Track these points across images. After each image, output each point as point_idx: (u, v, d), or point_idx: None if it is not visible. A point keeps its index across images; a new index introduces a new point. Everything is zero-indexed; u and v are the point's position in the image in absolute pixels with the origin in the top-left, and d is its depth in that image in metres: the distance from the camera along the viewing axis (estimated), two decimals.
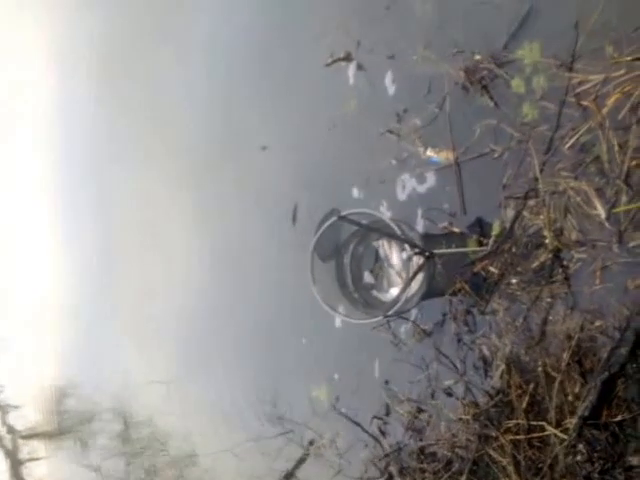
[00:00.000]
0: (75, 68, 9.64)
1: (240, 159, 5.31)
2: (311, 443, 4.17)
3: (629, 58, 2.43)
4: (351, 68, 4.02)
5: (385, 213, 3.64)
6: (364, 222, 3.07)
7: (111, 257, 8.87)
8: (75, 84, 9.65)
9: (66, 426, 9.65)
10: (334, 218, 2.89)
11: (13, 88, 11.28)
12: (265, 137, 4.89)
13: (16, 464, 9.86)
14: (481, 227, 3.07)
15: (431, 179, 3.42)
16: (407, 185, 3.57)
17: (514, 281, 2.92)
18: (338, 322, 4.01)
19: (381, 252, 3.46)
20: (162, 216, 7.11)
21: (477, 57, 3.09)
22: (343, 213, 2.88)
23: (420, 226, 3.44)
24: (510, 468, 2.78)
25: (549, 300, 2.74)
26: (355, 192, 3.96)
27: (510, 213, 2.89)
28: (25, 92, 11.22)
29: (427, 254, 2.80)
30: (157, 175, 7.08)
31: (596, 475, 2.43)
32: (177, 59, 6.40)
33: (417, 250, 2.84)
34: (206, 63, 5.89)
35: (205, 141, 5.90)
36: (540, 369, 2.75)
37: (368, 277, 3.54)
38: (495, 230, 2.98)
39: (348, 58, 4.04)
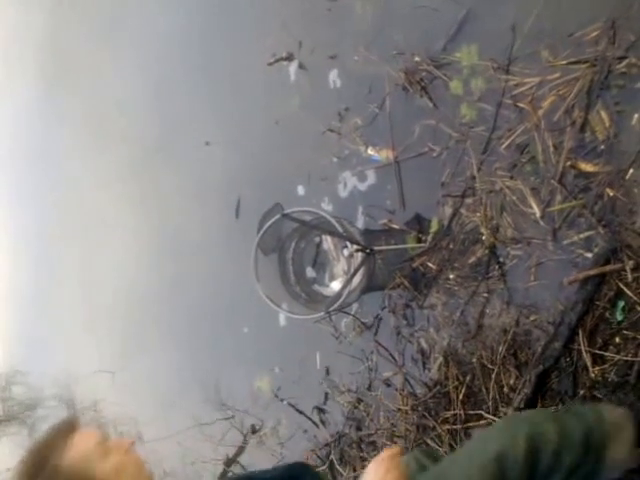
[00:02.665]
0: (19, 59, 9.22)
1: (184, 153, 5.09)
2: (253, 431, 4.00)
3: (564, 62, 2.35)
4: (293, 68, 3.86)
5: (327, 209, 3.49)
6: (307, 219, 2.91)
7: (54, 244, 8.51)
8: (20, 74, 9.24)
9: (12, 413, 9.25)
10: (278, 216, 2.72)
11: None
12: (209, 133, 4.68)
13: None
14: (420, 224, 2.96)
15: (372, 177, 3.29)
16: (348, 182, 3.43)
17: (451, 276, 2.81)
18: (282, 318, 3.86)
19: (324, 246, 3.31)
20: (105, 205, 6.82)
21: (417, 59, 2.97)
22: (286, 211, 2.71)
23: (361, 222, 3.31)
24: None
25: (486, 295, 2.65)
26: (298, 188, 3.80)
27: (448, 211, 2.78)
28: None
29: (368, 250, 2.66)
30: (101, 165, 6.78)
31: None
32: (120, 54, 6.13)
33: (358, 247, 2.70)
34: (149, 57, 5.63)
35: (149, 135, 5.65)
36: (476, 362, 2.66)
37: (310, 272, 3.38)
38: (433, 227, 2.87)
39: (290, 58, 3.87)
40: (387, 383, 3.08)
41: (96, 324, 7.29)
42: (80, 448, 1.18)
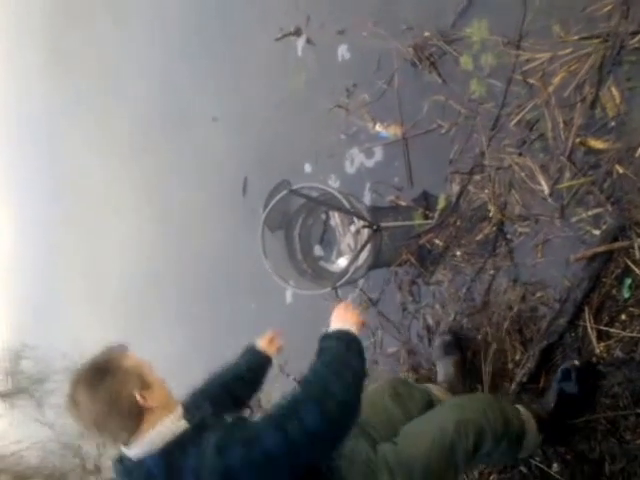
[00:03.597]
0: (24, 30, 9.18)
1: (191, 128, 5.08)
2: (259, 406, 4.03)
3: (576, 37, 2.32)
4: (301, 43, 3.83)
5: (334, 186, 3.49)
6: (314, 195, 2.90)
7: (60, 220, 8.53)
8: (25, 46, 9.20)
9: (21, 386, 9.38)
10: (285, 192, 2.71)
11: None
12: (216, 108, 4.66)
13: None
14: (427, 201, 2.95)
15: (379, 154, 3.28)
16: (355, 159, 3.42)
17: (458, 253, 2.81)
18: (289, 295, 3.87)
19: (332, 222, 3.31)
20: (110, 181, 6.83)
21: (426, 34, 2.94)
22: (294, 187, 2.70)
23: (367, 199, 3.30)
24: None
25: (492, 272, 2.64)
26: (305, 166, 3.79)
27: (456, 188, 2.77)
28: None
29: (374, 227, 2.65)
30: (108, 140, 6.77)
31: None
32: (127, 27, 6.09)
33: (365, 223, 2.69)
34: (156, 31, 5.60)
35: (155, 110, 5.64)
36: (481, 338, 2.67)
37: (318, 249, 3.39)
38: (440, 204, 2.86)
39: (298, 33, 3.84)
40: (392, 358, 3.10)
41: (103, 300, 7.35)
42: (133, 358, 1.68)
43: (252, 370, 2.34)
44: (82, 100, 7.35)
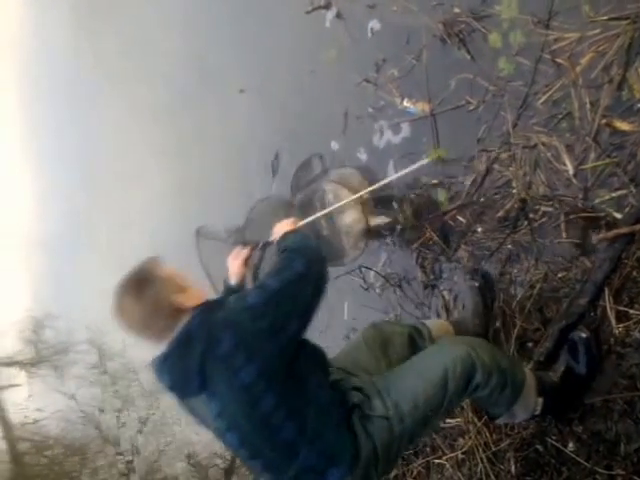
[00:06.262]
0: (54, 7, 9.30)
1: (218, 100, 5.19)
2: None
3: (605, 18, 2.38)
4: (331, 16, 3.90)
5: (362, 159, 3.67)
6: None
7: (84, 191, 8.71)
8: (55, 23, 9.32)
9: (43, 355, 9.65)
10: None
11: None
12: (244, 80, 4.77)
13: None
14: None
15: (406, 130, 3.36)
16: (385, 133, 3.51)
17: (479, 230, 2.91)
18: None
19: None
20: (134, 151, 6.98)
21: (456, 10, 3.01)
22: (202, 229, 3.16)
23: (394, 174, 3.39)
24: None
25: (512, 249, 2.75)
26: (331, 143, 3.92)
27: (482, 166, 2.86)
28: (4, 32, 10.79)
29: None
30: (131, 109, 6.91)
31: None
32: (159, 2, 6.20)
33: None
34: (186, 4, 5.70)
35: (184, 80, 5.75)
36: (499, 312, 2.79)
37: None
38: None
39: (328, 6, 3.92)
40: None
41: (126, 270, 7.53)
42: (166, 267, 2.03)
43: None
44: (106, 66, 7.48)
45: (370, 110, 3.58)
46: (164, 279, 1.98)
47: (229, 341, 1.85)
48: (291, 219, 2.47)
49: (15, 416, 9.30)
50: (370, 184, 3.24)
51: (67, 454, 8.79)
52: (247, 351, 1.85)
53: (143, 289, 1.94)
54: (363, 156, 3.67)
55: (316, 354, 2.13)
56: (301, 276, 1.97)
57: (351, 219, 3.32)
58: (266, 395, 1.88)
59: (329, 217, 3.29)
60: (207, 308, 1.96)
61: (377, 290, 3.56)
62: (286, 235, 2.29)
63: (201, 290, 2.07)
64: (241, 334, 1.87)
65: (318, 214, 2.93)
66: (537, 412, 2.37)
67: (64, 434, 8.89)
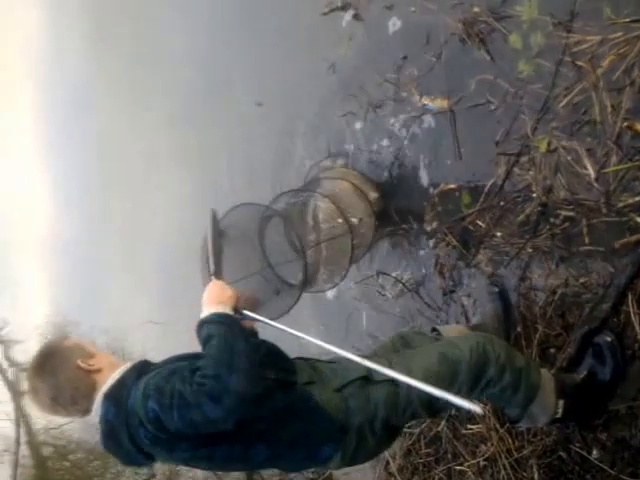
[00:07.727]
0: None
1: (233, 104, 5.26)
2: None
3: (626, 20, 2.38)
4: (348, 18, 3.92)
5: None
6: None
7: (102, 195, 8.81)
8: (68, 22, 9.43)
9: None
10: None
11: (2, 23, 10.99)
12: (259, 87, 4.82)
13: (17, 395, 10.04)
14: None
15: (425, 128, 3.39)
16: (402, 129, 3.55)
17: (499, 234, 2.93)
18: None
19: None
20: (150, 157, 7.06)
21: (476, 10, 3.02)
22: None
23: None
24: None
25: (533, 254, 2.76)
26: (346, 146, 3.93)
27: (502, 169, 2.88)
28: (16, 28, 10.94)
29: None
30: (147, 116, 7.00)
31: None
32: (174, 6, 6.27)
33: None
34: (200, 6, 5.76)
35: (196, 84, 5.83)
36: (519, 317, 2.80)
37: None
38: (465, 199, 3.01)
39: (345, 7, 3.94)
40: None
41: (145, 276, 7.63)
42: (72, 338, 2.09)
43: None
44: (127, 69, 7.58)
45: (390, 104, 3.61)
46: (68, 348, 2.02)
47: (148, 432, 1.82)
48: (219, 285, 2.14)
49: (39, 421, 9.45)
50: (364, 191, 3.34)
51: (90, 458, 8.91)
52: (168, 442, 1.85)
53: (47, 362, 1.99)
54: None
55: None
56: (208, 420, 1.75)
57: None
58: (220, 448, 1.91)
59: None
60: (115, 395, 1.90)
61: (394, 297, 3.58)
62: (202, 324, 1.97)
63: (108, 355, 2.09)
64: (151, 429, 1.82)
65: (266, 320, 2.25)
66: (558, 415, 2.36)
67: (87, 438, 9.01)
